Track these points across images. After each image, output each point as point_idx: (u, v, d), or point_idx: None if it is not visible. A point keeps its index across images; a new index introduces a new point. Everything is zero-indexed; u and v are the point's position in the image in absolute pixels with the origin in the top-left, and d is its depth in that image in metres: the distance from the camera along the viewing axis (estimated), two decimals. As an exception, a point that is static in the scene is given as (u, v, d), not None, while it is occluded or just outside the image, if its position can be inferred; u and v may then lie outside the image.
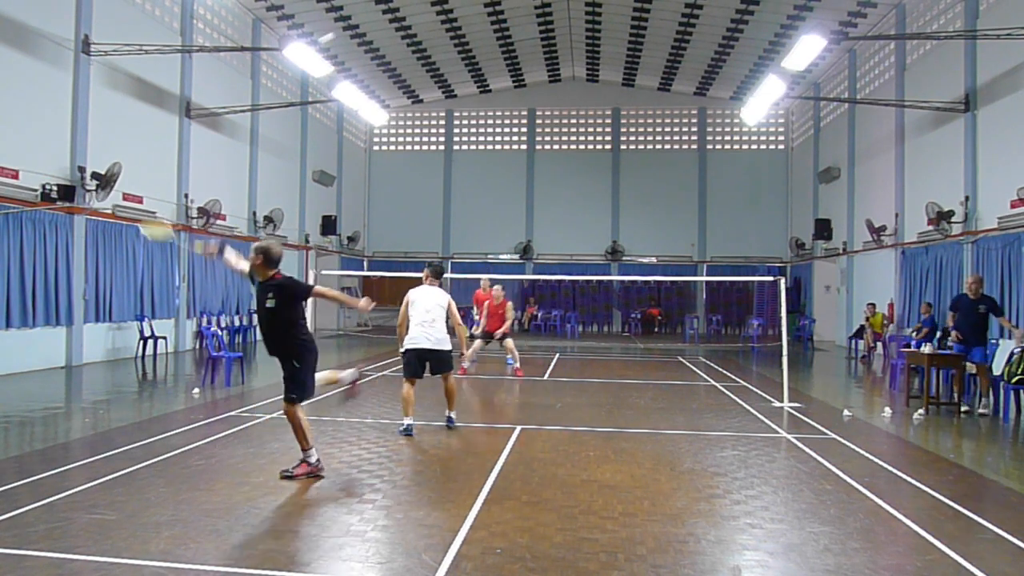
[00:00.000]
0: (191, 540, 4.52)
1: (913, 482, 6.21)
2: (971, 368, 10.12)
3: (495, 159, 30.66)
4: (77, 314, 14.02)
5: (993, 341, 11.46)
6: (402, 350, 8.05)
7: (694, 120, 29.88)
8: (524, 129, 30.66)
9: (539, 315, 27.96)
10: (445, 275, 30.71)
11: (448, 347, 7.98)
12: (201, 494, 5.50)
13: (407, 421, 7.79)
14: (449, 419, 8.25)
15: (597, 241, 29.62)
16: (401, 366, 8.17)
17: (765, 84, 17.11)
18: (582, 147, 30.56)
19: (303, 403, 6.17)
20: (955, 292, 15.67)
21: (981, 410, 9.86)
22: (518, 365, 13.58)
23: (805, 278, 26.63)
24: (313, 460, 6.09)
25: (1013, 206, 13.57)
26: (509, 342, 13.75)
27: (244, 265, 6.34)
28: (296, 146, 24.14)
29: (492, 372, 14.03)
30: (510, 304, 14.03)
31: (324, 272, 18.47)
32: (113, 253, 15.06)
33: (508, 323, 13.85)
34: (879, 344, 18.15)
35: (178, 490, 5.60)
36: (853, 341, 19.20)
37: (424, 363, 7.94)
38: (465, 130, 30.99)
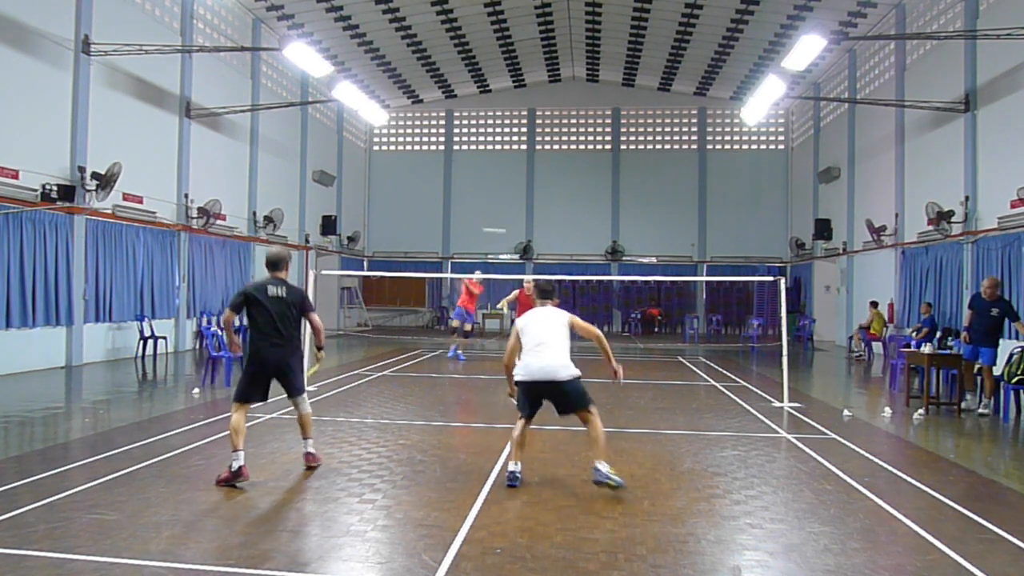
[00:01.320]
0: (191, 540, 4.52)
1: (913, 482, 6.20)
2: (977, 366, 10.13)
3: (495, 159, 30.66)
4: (77, 314, 14.02)
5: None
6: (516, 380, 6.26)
7: (694, 120, 29.87)
8: (524, 129, 30.65)
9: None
10: (443, 275, 30.40)
11: (570, 375, 6.06)
12: (201, 494, 5.50)
13: (511, 467, 5.96)
14: (597, 471, 5.74)
15: (597, 241, 29.62)
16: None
17: (765, 84, 17.10)
18: (582, 147, 30.55)
19: (247, 403, 6.13)
20: (955, 292, 15.69)
21: (981, 410, 9.86)
22: None
23: (805, 278, 26.63)
24: (234, 467, 5.78)
25: (1013, 206, 13.56)
26: None
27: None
28: (296, 146, 24.14)
29: (492, 372, 14.03)
30: None
31: (324, 272, 18.45)
32: (113, 253, 15.06)
33: None
34: (875, 344, 18.12)
35: (178, 490, 5.60)
36: (861, 341, 18.96)
37: (539, 400, 6.13)
38: (465, 130, 31.00)
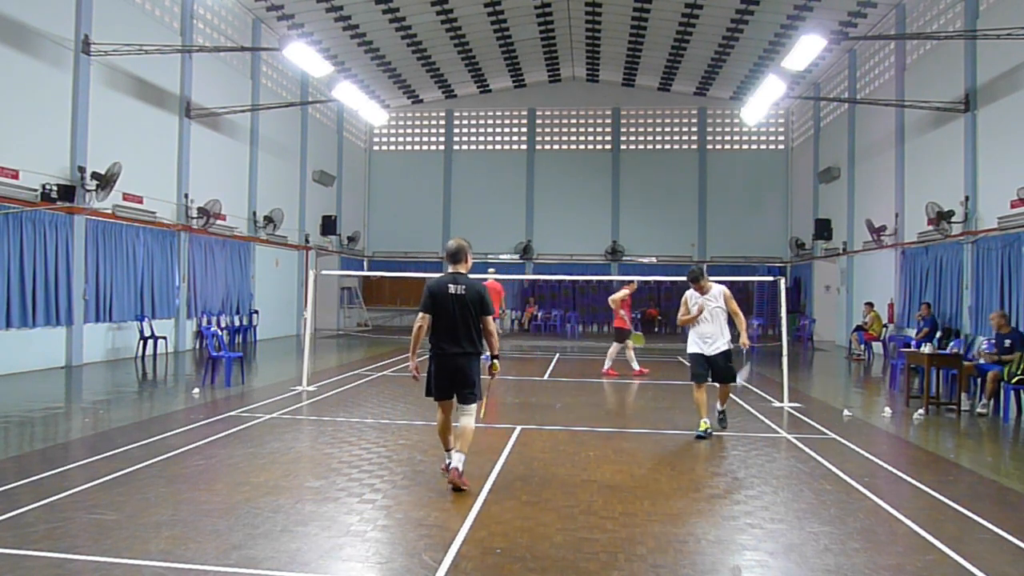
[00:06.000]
0: (191, 540, 4.52)
1: (913, 482, 6.20)
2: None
3: (495, 159, 30.65)
4: (77, 314, 14.01)
5: (991, 339, 11.43)
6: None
7: (694, 120, 29.87)
8: (524, 129, 30.64)
9: (539, 315, 28.01)
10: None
11: (728, 348, 8.16)
12: (201, 494, 5.50)
13: (703, 424, 8.01)
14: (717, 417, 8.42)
15: (597, 241, 29.62)
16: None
17: (765, 84, 17.09)
18: (582, 147, 30.54)
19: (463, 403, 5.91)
20: (955, 293, 15.69)
21: (979, 409, 9.86)
22: (610, 367, 13.89)
23: (805, 278, 26.62)
24: (450, 464, 5.76)
25: (1013, 206, 13.55)
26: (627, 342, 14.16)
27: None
28: (296, 146, 24.13)
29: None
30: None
31: (324, 272, 18.44)
32: (113, 253, 15.06)
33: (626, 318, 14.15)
34: (871, 344, 18.11)
35: (178, 490, 5.60)
36: (859, 343, 18.90)
37: (708, 368, 8.14)
38: (465, 130, 31.00)
